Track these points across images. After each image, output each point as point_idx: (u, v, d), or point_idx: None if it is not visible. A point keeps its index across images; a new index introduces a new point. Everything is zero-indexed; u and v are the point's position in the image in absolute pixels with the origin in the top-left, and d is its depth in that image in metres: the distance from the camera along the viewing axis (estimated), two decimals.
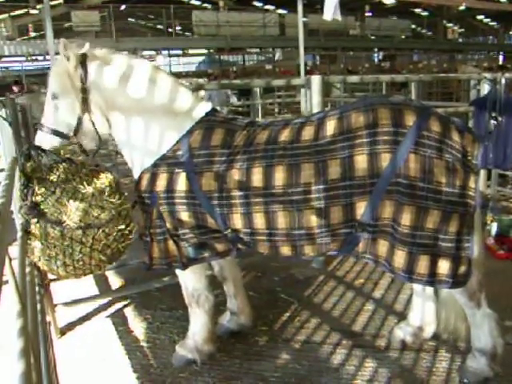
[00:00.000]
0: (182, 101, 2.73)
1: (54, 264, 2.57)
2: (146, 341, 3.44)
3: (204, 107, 2.75)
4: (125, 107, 2.71)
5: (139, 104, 2.70)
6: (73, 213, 2.51)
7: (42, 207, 2.52)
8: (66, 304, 3.76)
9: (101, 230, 2.56)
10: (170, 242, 2.70)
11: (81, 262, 2.61)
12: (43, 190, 2.56)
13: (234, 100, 10.95)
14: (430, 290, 3.02)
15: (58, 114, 2.74)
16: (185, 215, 2.63)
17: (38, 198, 2.53)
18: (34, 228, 2.52)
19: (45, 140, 2.73)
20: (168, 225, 2.67)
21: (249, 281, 4.26)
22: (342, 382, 2.89)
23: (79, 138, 2.74)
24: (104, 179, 2.75)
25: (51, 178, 2.66)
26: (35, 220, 2.50)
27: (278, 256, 2.70)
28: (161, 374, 3.05)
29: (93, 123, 2.72)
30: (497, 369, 2.70)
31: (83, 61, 2.68)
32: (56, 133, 2.72)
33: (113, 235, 2.63)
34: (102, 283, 4.42)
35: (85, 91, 2.68)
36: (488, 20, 41.19)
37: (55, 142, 2.72)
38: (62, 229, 2.49)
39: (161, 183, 2.63)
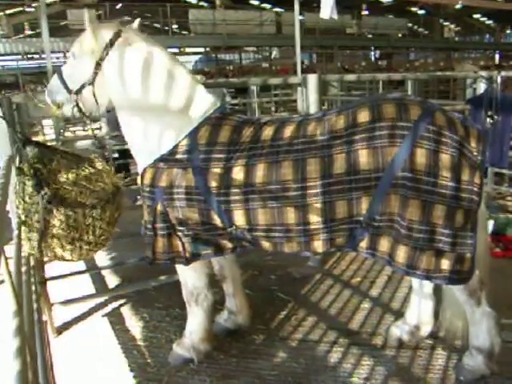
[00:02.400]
0: (192, 97, 2.71)
1: (79, 245, 2.75)
2: (142, 340, 3.44)
3: (213, 104, 2.74)
4: (133, 99, 2.70)
5: (149, 98, 2.69)
6: (92, 191, 2.74)
7: (61, 193, 2.64)
8: (63, 303, 3.75)
9: (115, 205, 2.91)
10: (174, 237, 2.71)
11: (103, 237, 2.88)
12: (61, 177, 2.75)
13: (228, 99, 10.90)
14: (428, 288, 3.03)
15: (69, 70, 2.84)
16: (189, 211, 2.62)
17: (56, 186, 2.71)
18: (55, 216, 2.66)
19: (55, 86, 2.88)
20: (172, 220, 2.68)
21: (245, 279, 4.25)
22: (339, 380, 2.90)
23: (79, 99, 2.81)
24: (99, 164, 3.06)
25: (54, 167, 2.81)
26: (59, 209, 2.64)
27: (282, 253, 2.70)
28: (158, 373, 3.05)
29: (94, 96, 2.76)
30: (493, 367, 2.70)
31: (114, 39, 2.68)
32: (64, 84, 2.82)
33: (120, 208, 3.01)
34: (99, 282, 4.41)
35: (99, 66, 2.70)
36: (484, 19, 41.29)
37: (61, 92, 2.84)
38: (83, 210, 2.71)
39: (165, 178, 2.63)
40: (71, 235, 2.68)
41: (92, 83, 2.73)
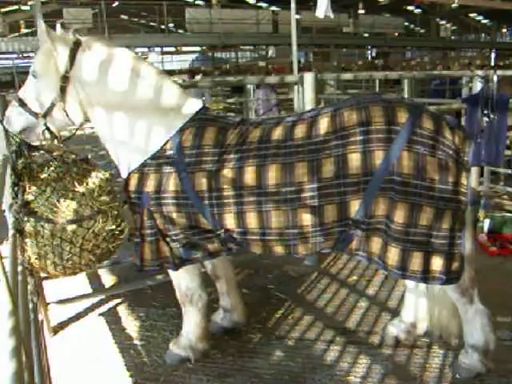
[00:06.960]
0: (173, 100, 2.69)
1: (44, 262, 2.56)
2: (139, 339, 3.43)
3: (195, 105, 2.72)
4: (111, 105, 2.65)
5: (127, 103, 2.65)
6: (62, 212, 2.50)
7: (32, 205, 2.50)
8: (59, 302, 3.74)
9: (91, 231, 2.54)
10: (162, 243, 2.68)
11: (70, 262, 2.59)
12: (34, 188, 2.54)
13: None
14: (422, 286, 3.03)
15: (33, 92, 2.70)
16: (176, 215, 2.60)
17: (29, 197, 2.52)
18: (26, 226, 2.51)
19: (14, 114, 2.73)
20: (159, 225, 2.65)
21: (242, 278, 4.26)
22: (336, 379, 2.90)
23: (48, 121, 2.70)
24: (95, 178, 2.73)
25: (42, 176, 2.64)
26: (26, 218, 2.48)
27: (271, 255, 2.71)
28: (154, 372, 3.04)
29: (66, 113, 2.68)
30: (489, 364, 2.72)
31: (75, 48, 2.62)
32: (27, 109, 2.70)
33: (102, 235, 2.61)
34: (95, 281, 4.40)
35: (65, 80, 2.62)
36: (480, 18, 41.35)
37: (24, 118, 2.71)
38: (52, 227, 2.47)
39: (151, 183, 2.60)
40: (37, 250, 2.55)
41: (62, 99, 2.65)
